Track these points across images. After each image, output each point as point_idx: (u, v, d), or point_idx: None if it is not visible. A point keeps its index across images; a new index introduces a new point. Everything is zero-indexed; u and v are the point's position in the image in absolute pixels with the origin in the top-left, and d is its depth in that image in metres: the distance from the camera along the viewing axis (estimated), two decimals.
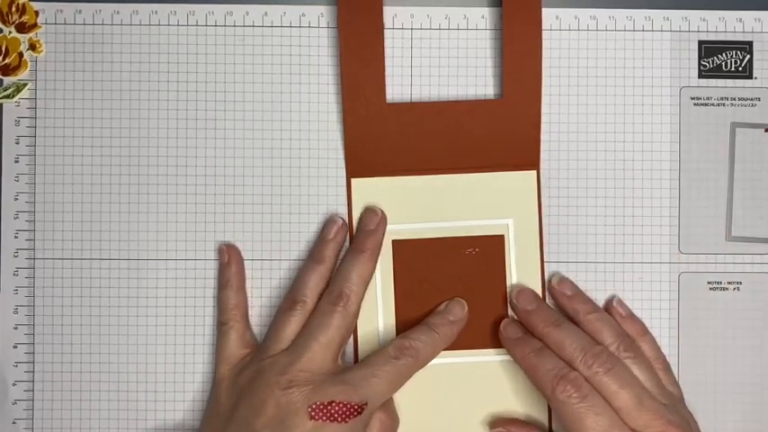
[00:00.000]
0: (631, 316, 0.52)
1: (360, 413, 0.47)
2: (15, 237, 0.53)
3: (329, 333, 0.49)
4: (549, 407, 0.52)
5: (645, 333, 0.52)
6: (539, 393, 0.50)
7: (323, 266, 0.51)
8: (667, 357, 0.52)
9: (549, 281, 0.52)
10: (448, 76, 0.53)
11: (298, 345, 0.49)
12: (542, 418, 0.52)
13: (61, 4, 0.53)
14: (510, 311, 0.52)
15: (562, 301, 0.52)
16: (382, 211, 0.52)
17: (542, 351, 0.49)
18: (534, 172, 0.53)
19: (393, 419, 0.50)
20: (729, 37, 0.53)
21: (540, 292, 0.52)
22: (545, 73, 0.53)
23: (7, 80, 0.53)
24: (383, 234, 0.52)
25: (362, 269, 0.51)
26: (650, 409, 0.47)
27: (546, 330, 0.49)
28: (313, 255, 0.52)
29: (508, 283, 0.52)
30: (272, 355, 0.49)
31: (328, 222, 0.52)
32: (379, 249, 0.52)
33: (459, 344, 0.52)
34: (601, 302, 0.53)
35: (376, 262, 0.51)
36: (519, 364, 0.50)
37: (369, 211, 0.52)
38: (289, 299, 0.51)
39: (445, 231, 0.52)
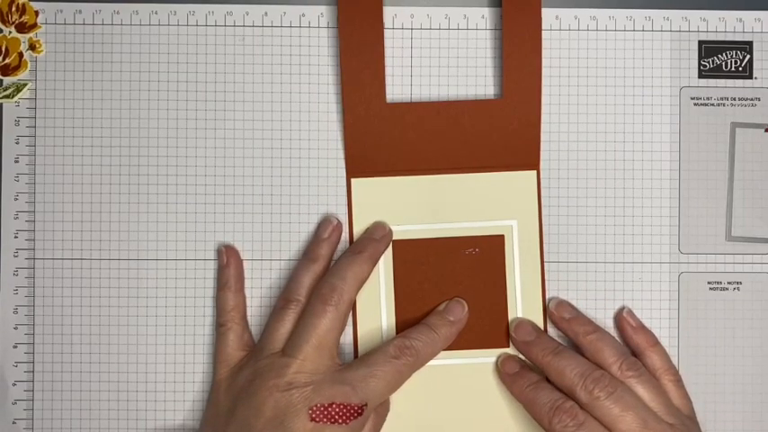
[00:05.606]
0: (641, 327, 0.52)
1: (360, 414, 0.47)
2: (15, 237, 0.53)
3: (320, 334, 0.48)
4: None
5: (655, 344, 0.51)
6: None
7: (317, 265, 0.51)
8: None
9: (548, 306, 0.52)
10: (448, 76, 0.53)
11: (292, 346, 0.48)
12: None
13: (61, 4, 0.53)
14: (510, 315, 0.52)
15: (561, 326, 0.51)
16: (390, 229, 0.52)
17: (539, 385, 0.49)
18: (534, 172, 0.53)
19: (384, 407, 0.50)
20: (729, 37, 0.53)
21: (539, 292, 0.52)
22: (545, 73, 0.53)
23: (7, 80, 0.53)
24: (386, 246, 0.52)
25: (358, 269, 0.50)
26: (655, 431, 0.46)
27: (546, 360, 0.49)
28: (307, 253, 0.52)
29: (508, 284, 0.52)
30: (268, 356, 0.49)
31: (323, 222, 0.52)
32: (378, 257, 0.51)
33: (458, 344, 0.52)
34: (603, 303, 0.53)
35: (373, 267, 0.51)
36: (517, 399, 0.50)
37: (378, 224, 0.52)
38: (283, 298, 0.51)
39: (445, 231, 0.52)
